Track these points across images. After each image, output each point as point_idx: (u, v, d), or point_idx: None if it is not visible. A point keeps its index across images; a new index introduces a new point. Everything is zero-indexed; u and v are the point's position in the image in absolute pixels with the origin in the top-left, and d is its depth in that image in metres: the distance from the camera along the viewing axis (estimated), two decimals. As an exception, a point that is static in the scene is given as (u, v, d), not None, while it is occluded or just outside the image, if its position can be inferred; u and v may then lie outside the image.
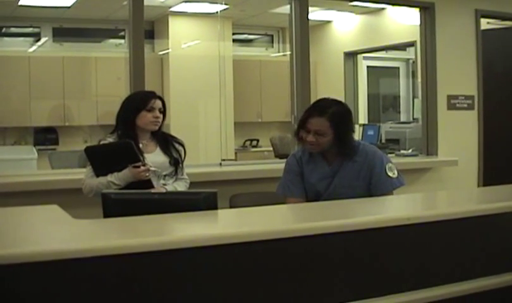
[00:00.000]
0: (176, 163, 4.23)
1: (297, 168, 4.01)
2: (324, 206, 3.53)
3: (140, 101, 4.15)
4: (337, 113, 3.84)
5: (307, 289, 2.61)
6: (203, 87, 9.74)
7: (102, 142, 4.11)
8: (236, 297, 2.47)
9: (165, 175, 4.18)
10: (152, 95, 4.20)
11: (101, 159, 3.97)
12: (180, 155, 4.29)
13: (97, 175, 3.97)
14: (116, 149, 4.01)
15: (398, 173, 3.94)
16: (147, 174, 3.92)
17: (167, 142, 4.27)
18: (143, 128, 4.14)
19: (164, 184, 4.13)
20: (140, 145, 4.08)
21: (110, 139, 4.11)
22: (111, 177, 3.91)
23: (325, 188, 3.92)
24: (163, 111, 4.21)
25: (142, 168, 3.89)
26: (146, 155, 4.05)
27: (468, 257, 3.07)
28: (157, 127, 4.18)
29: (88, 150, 4.00)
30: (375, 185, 3.87)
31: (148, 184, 3.94)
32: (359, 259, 2.75)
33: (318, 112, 3.84)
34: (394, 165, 3.96)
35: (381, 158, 3.93)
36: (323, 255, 2.66)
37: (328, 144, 3.84)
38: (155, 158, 4.11)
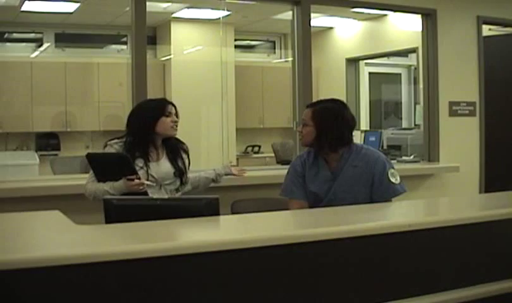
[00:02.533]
0: (181, 175, 4.25)
1: (301, 170, 4.04)
2: (326, 212, 3.53)
3: (158, 108, 4.17)
4: (322, 108, 3.98)
5: (309, 295, 2.61)
6: (205, 93, 9.75)
7: (106, 147, 4.13)
8: (238, 303, 2.48)
9: (176, 189, 4.20)
10: (167, 101, 4.25)
11: (100, 166, 4.02)
12: (185, 165, 4.30)
13: (98, 180, 4.01)
14: (113, 160, 4.04)
15: (400, 179, 3.94)
16: (141, 187, 3.93)
17: (174, 150, 4.28)
18: (163, 134, 4.16)
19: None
20: (150, 154, 4.12)
21: (116, 146, 4.11)
22: (107, 186, 3.94)
23: (325, 192, 3.93)
24: (177, 116, 4.25)
25: (136, 181, 3.90)
26: (151, 164, 4.08)
27: (469, 264, 3.07)
28: (176, 132, 4.22)
29: (89, 156, 4.04)
30: (376, 191, 3.88)
31: (144, 195, 3.95)
32: (361, 265, 2.75)
33: (310, 105, 4.10)
34: (396, 171, 3.97)
35: (383, 163, 3.93)
36: (325, 262, 2.66)
37: (310, 137, 3.96)
38: (159, 167, 4.13)
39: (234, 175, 4.90)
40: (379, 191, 3.87)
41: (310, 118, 3.93)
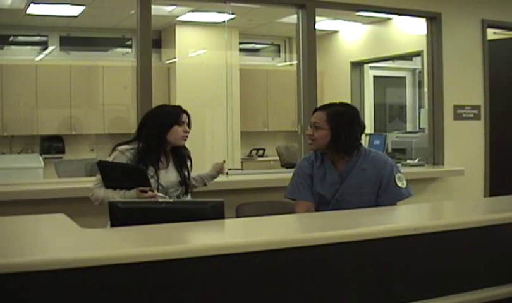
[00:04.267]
0: (186, 184, 4.23)
1: (309, 171, 4.02)
2: (331, 215, 3.53)
3: (173, 116, 4.15)
4: (337, 111, 3.95)
5: (314, 298, 2.61)
6: (210, 96, 9.74)
7: (118, 150, 4.07)
8: (243, 307, 2.48)
9: (177, 196, 4.19)
10: (182, 110, 4.23)
11: (112, 175, 3.99)
12: (189, 172, 4.30)
13: (106, 187, 3.98)
14: (128, 171, 4.01)
15: (407, 183, 3.96)
16: (153, 200, 3.91)
17: (182, 157, 4.27)
18: (172, 143, 4.14)
19: None
20: (160, 162, 4.10)
21: (128, 154, 4.06)
22: (117, 194, 3.91)
23: (332, 194, 3.93)
24: (189, 125, 4.23)
25: (149, 193, 3.89)
26: (160, 172, 4.06)
27: (474, 268, 3.06)
28: (184, 142, 4.20)
29: (100, 164, 4.00)
30: (382, 194, 3.88)
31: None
32: (366, 268, 2.75)
33: (322, 107, 4.02)
34: (403, 175, 3.98)
35: (391, 167, 3.95)
36: (330, 265, 2.66)
37: (323, 140, 3.92)
38: (167, 176, 4.12)
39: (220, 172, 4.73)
40: (386, 194, 3.88)
41: (324, 121, 3.89)
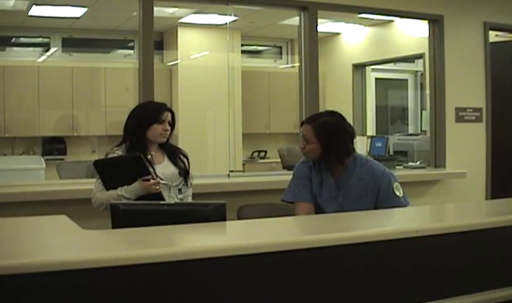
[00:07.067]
0: (186, 174, 4.23)
1: (308, 174, 4.04)
2: (332, 218, 3.53)
3: (153, 114, 4.15)
4: (324, 123, 3.96)
5: (316, 300, 2.61)
6: (212, 98, 9.74)
7: (110, 156, 4.10)
8: (244, 309, 2.48)
9: (179, 189, 4.18)
10: (164, 108, 4.21)
11: (110, 172, 3.95)
12: (185, 165, 4.29)
13: (107, 189, 3.94)
14: (125, 162, 3.99)
15: (404, 192, 3.98)
16: (157, 187, 3.90)
17: (174, 153, 4.27)
18: (152, 140, 4.14)
19: (181, 199, 4.15)
20: (149, 157, 4.08)
21: (118, 152, 4.09)
22: (121, 191, 3.88)
23: (330, 202, 3.94)
24: (172, 123, 4.23)
25: (152, 181, 3.88)
26: (155, 167, 4.05)
27: (475, 270, 3.06)
28: (165, 140, 4.19)
29: (97, 164, 3.98)
30: (381, 204, 3.91)
31: (159, 196, 3.92)
32: (368, 270, 2.75)
33: (308, 120, 4.03)
34: (400, 184, 4.00)
35: (389, 177, 3.98)
36: (331, 267, 2.65)
37: (315, 153, 3.95)
38: (163, 169, 4.11)
39: None
40: (384, 204, 3.90)
41: (312, 135, 3.91)
